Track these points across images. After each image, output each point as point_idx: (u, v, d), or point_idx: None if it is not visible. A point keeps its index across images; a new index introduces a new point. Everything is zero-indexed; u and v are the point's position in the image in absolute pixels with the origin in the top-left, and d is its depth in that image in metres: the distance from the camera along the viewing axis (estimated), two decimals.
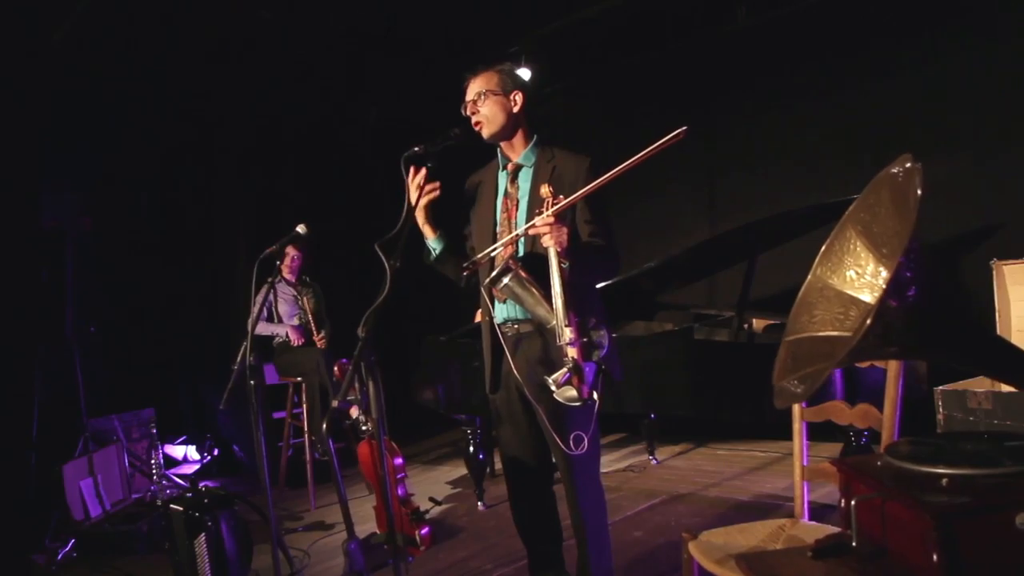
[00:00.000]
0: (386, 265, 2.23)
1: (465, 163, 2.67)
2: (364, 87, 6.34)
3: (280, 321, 5.23)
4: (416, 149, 2.40)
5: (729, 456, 5.01)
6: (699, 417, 4.66)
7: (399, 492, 2.97)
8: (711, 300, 5.25)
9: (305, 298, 5.28)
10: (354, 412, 5.03)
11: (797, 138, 5.19)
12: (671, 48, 5.79)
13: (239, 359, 2.80)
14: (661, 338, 4.16)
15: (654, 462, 5.01)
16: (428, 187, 2.38)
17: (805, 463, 2.23)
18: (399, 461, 3.10)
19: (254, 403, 2.78)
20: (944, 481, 1.25)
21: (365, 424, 2.21)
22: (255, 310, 5.13)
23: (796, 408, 2.23)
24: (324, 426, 3.28)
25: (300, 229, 3.02)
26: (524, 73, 6.12)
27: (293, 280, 5.31)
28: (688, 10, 5.57)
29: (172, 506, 3.16)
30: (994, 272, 3.74)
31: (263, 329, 5.16)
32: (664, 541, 3.51)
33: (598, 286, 4.24)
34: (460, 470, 5.26)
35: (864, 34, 4.89)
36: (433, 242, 2.53)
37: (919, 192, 1.05)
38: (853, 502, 1.31)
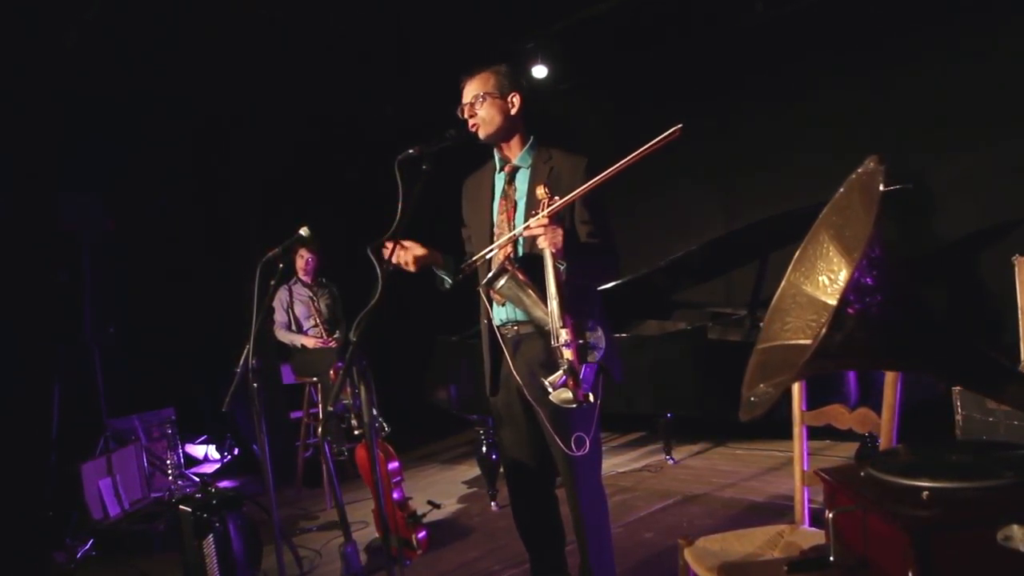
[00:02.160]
0: (378, 269, 2.23)
1: (462, 164, 2.66)
2: (379, 85, 6.35)
3: (297, 321, 5.27)
4: (411, 151, 2.39)
5: (747, 456, 4.94)
6: (708, 418, 4.61)
7: (395, 495, 2.96)
8: (729, 299, 5.18)
9: (321, 299, 5.32)
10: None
11: (816, 133, 5.09)
12: (688, 42, 5.71)
13: (241, 361, 2.81)
14: (671, 338, 4.10)
15: (671, 462, 4.95)
16: (406, 255, 2.38)
17: (806, 468, 2.18)
18: (394, 465, 3.10)
19: (257, 405, 2.79)
20: (925, 494, 1.20)
21: (358, 428, 2.20)
22: (281, 315, 5.22)
23: (796, 411, 2.18)
24: (320, 429, 3.30)
25: (303, 231, 3.01)
26: (540, 70, 6.09)
27: (309, 281, 5.34)
28: (705, 3, 5.49)
29: (181, 507, 3.19)
30: (1016, 268, 3.64)
31: (283, 337, 5.21)
32: (673, 543, 3.44)
33: (609, 285, 4.22)
34: (477, 470, 5.24)
35: (884, 27, 4.78)
36: (444, 272, 2.50)
37: (880, 191, 1.00)
38: (830, 515, 1.27)
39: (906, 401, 3.34)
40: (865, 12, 4.79)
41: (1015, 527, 1.13)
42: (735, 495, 4.14)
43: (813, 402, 2.18)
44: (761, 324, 4.16)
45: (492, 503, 4.36)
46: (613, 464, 5.12)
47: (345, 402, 2.22)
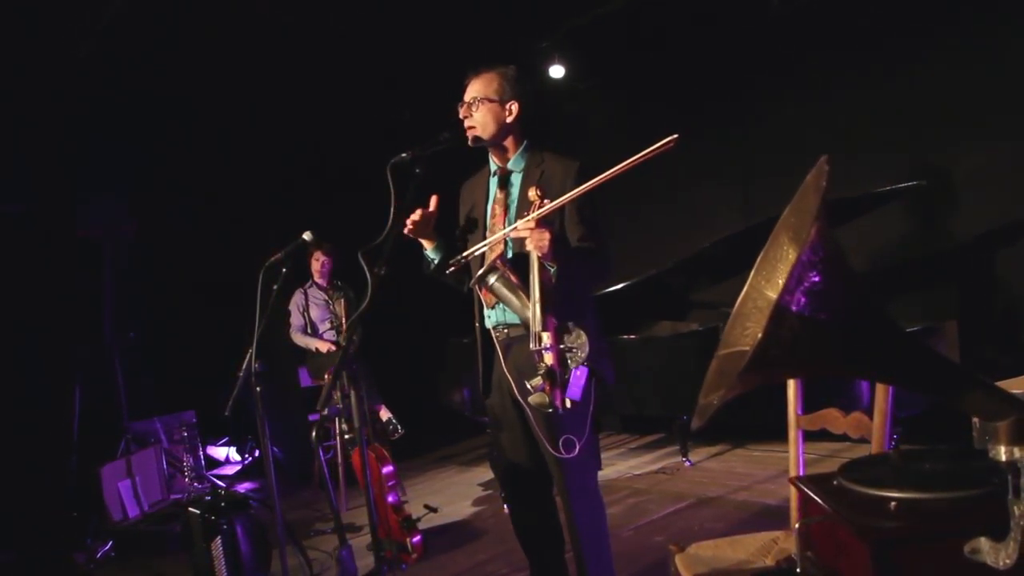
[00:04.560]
0: (368, 274, 2.23)
1: (459, 166, 2.65)
2: (396, 88, 6.37)
3: (312, 325, 5.31)
4: (404, 155, 2.39)
5: (764, 457, 4.86)
6: (721, 420, 4.56)
7: (391, 499, 2.96)
8: None
9: (337, 302, 5.34)
10: (384, 415, 5.10)
11: (835, 129, 4.99)
12: (705, 39, 5.64)
13: (244, 366, 2.83)
14: (683, 338, 4.06)
15: (687, 464, 4.89)
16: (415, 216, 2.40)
17: (801, 473, 2.13)
18: (389, 469, 3.10)
19: (259, 409, 2.80)
20: (892, 505, 1.17)
21: (349, 433, 2.20)
22: (297, 318, 5.27)
23: (792, 416, 2.14)
24: (313, 434, 3.29)
25: (306, 235, 3.03)
26: (557, 70, 6.06)
27: (325, 285, 5.38)
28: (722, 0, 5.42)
29: (190, 509, 3.23)
30: None
31: (299, 340, 5.26)
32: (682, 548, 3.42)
33: (619, 286, 4.18)
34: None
35: (903, 21, 4.66)
36: (431, 252, 2.52)
37: (822, 187, 0.98)
38: (797, 525, 1.24)
39: (928, 402, 3.26)
40: (882, 8, 4.69)
41: (983, 540, 1.09)
42: (749, 498, 4.07)
43: (816, 405, 2.13)
44: None
45: (505, 506, 4.34)
46: (629, 466, 5.08)
47: (339, 406, 2.23)
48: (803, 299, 0.91)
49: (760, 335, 0.89)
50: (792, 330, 0.92)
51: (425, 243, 2.51)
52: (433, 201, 2.43)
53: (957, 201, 4.45)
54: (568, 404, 2.06)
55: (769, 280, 1.14)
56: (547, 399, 2.05)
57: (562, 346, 2.08)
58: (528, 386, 2.10)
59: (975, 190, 4.35)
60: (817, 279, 0.92)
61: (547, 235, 2.13)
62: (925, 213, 4.59)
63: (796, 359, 0.98)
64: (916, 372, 1.05)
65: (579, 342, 2.08)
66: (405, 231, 2.41)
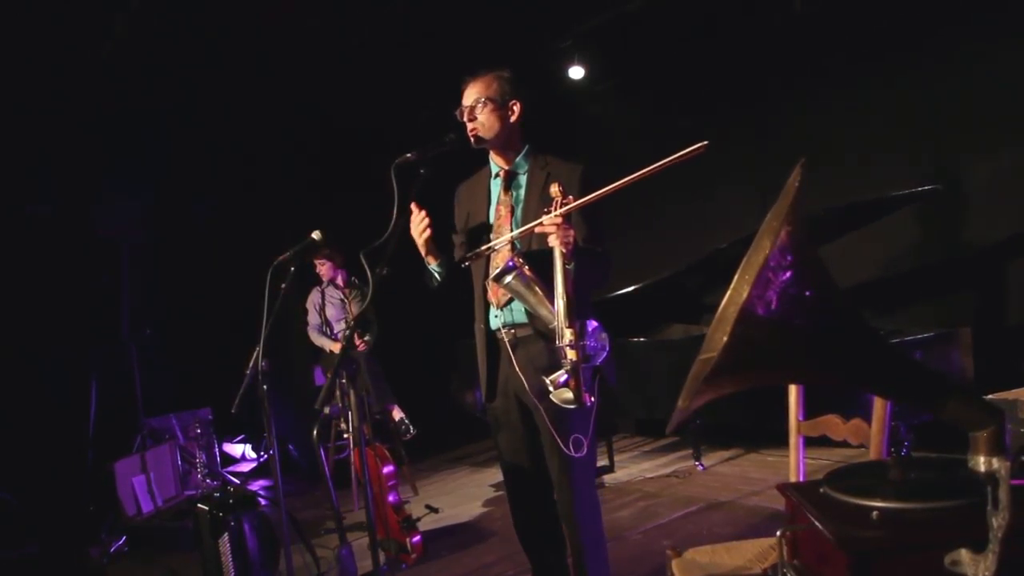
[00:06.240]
0: (369, 275, 2.24)
1: (461, 169, 2.65)
2: (412, 90, 6.39)
3: (329, 324, 5.34)
4: (409, 156, 2.39)
5: (777, 462, 4.82)
6: (731, 423, 4.52)
7: (391, 499, 2.97)
8: None
9: (353, 302, 5.37)
10: (396, 415, 5.11)
11: (852, 132, 4.93)
12: (726, 41, 5.59)
13: (251, 365, 2.85)
14: (694, 341, 4.04)
15: (700, 468, 4.86)
16: (423, 226, 2.38)
17: (802, 479, 2.11)
18: (389, 469, 3.11)
19: (266, 407, 2.83)
20: (874, 515, 1.15)
21: (347, 432, 2.21)
22: (314, 316, 5.31)
23: (793, 422, 2.12)
24: (315, 433, 3.33)
25: (315, 235, 3.05)
26: (576, 71, 6.04)
27: (342, 284, 5.40)
28: (744, 1, 5.37)
29: (199, 506, 3.26)
30: None
31: (316, 340, 5.30)
32: None
33: (629, 289, 4.16)
34: None
35: (926, 22, 4.59)
36: (435, 267, 2.51)
37: (795, 189, 0.96)
38: (779, 533, 1.22)
39: None
40: (902, 11, 4.63)
41: (963, 551, 1.07)
42: (760, 503, 4.04)
43: (822, 409, 2.10)
44: None
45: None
46: (641, 469, 5.06)
47: (339, 405, 2.25)
48: (773, 303, 0.90)
49: (725, 339, 0.88)
50: (758, 334, 0.90)
51: (431, 259, 2.49)
52: (414, 209, 2.40)
53: (973, 206, 4.38)
54: (592, 399, 2.06)
55: (751, 284, 1.13)
56: (572, 395, 2.04)
57: (584, 343, 2.07)
58: (548, 383, 2.08)
59: (991, 195, 4.28)
60: (788, 282, 0.91)
61: (572, 232, 2.13)
62: (940, 218, 4.52)
63: (765, 364, 0.97)
64: (893, 380, 1.03)
65: (603, 339, 2.08)
66: (422, 239, 2.40)
